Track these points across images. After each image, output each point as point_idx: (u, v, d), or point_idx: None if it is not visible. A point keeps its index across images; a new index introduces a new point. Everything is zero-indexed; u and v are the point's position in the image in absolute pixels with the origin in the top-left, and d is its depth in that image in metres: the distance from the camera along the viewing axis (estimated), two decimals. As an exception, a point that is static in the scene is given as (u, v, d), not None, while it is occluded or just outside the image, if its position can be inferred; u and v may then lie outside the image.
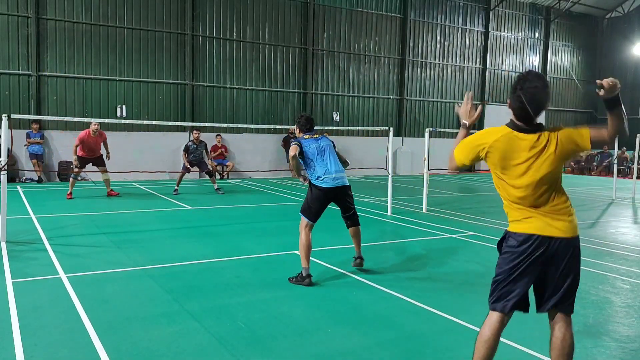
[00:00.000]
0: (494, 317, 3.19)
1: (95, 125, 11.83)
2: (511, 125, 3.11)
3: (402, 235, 8.72)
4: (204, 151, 13.38)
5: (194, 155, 13.16)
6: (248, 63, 18.54)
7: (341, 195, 6.03)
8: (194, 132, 13.32)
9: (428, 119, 22.58)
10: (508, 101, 3.17)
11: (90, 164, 12.10)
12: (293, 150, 5.87)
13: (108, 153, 12.33)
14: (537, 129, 3.07)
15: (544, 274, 3.16)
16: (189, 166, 13.15)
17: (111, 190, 12.48)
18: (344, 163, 6.26)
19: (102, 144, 12.14)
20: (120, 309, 4.77)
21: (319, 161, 5.94)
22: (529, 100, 2.98)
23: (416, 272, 6.42)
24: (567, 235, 3.07)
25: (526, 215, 3.15)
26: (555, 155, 3.04)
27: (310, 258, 5.79)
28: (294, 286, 5.64)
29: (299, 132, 6.16)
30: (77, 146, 11.71)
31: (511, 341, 4.17)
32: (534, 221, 3.11)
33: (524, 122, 3.06)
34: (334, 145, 6.22)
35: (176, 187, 13.19)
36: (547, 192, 3.09)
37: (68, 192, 11.86)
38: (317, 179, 5.90)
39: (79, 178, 12.41)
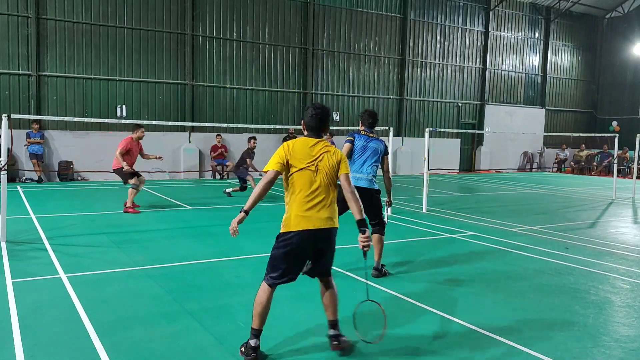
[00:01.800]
0: None
1: (142, 131, 10.56)
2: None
3: (402, 235, 8.72)
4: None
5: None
6: (248, 63, 18.53)
7: (364, 197, 5.88)
8: (252, 140, 12.78)
9: (428, 119, 22.58)
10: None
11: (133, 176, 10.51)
12: (346, 150, 6.07)
13: (156, 156, 10.93)
14: None
15: None
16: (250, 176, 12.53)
17: (133, 202, 10.60)
18: (385, 173, 6.35)
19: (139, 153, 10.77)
20: (120, 309, 4.77)
21: (355, 159, 6.12)
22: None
23: (416, 272, 6.42)
24: None
25: None
26: None
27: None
28: (294, 286, 5.61)
29: (361, 125, 6.33)
30: (122, 155, 10.23)
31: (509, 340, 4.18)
32: None
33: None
34: (385, 151, 6.29)
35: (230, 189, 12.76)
36: None
37: (131, 206, 10.22)
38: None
39: (138, 188, 10.44)
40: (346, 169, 3.97)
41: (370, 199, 6.11)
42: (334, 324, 4.04)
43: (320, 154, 3.92)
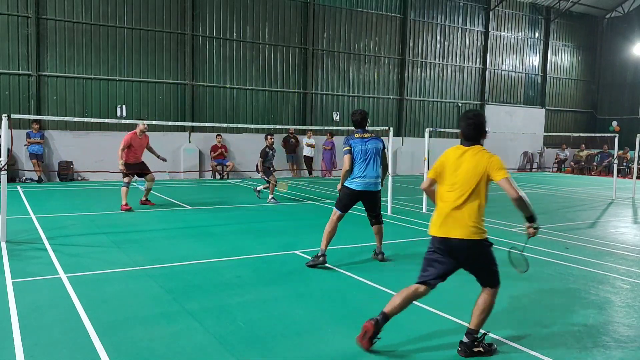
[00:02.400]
0: None
1: (144, 125, 10.56)
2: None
3: (402, 235, 8.72)
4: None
5: (270, 161, 12.01)
6: (248, 63, 18.53)
7: (369, 198, 6.46)
8: (268, 137, 11.89)
9: (428, 119, 22.58)
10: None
11: (136, 174, 10.70)
12: (347, 162, 6.28)
13: (159, 156, 11.00)
14: None
15: None
16: (268, 177, 11.96)
17: (147, 199, 11.11)
18: (385, 167, 6.57)
19: (146, 147, 10.79)
20: (120, 309, 4.77)
21: (359, 163, 6.29)
22: None
23: (416, 273, 6.40)
24: None
25: None
26: None
27: (310, 258, 5.81)
28: (294, 286, 5.64)
29: (354, 128, 6.56)
30: (122, 150, 10.30)
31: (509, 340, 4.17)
32: None
33: None
34: (383, 147, 6.51)
35: (272, 195, 11.97)
36: None
37: (123, 204, 10.30)
38: (351, 179, 6.33)
39: (129, 186, 10.58)
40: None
41: (375, 198, 6.50)
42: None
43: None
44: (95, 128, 16.13)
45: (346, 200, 6.35)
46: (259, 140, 18.64)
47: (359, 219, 9.95)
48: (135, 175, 10.71)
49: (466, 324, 4.57)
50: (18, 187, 13.68)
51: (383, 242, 6.86)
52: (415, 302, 5.16)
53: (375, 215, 6.62)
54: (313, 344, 4.13)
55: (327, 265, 6.44)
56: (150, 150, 10.94)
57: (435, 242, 4.09)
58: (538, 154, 26.01)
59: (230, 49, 18.17)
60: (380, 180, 6.45)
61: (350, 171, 6.29)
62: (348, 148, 6.28)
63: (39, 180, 14.96)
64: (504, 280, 4.27)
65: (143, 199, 11.12)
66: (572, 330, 4.56)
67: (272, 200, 11.88)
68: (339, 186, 6.55)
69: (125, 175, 10.41)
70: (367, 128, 6.54)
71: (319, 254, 6.33)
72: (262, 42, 18.68)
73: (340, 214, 6.40)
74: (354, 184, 6.29)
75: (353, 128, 6.63)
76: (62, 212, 10.05)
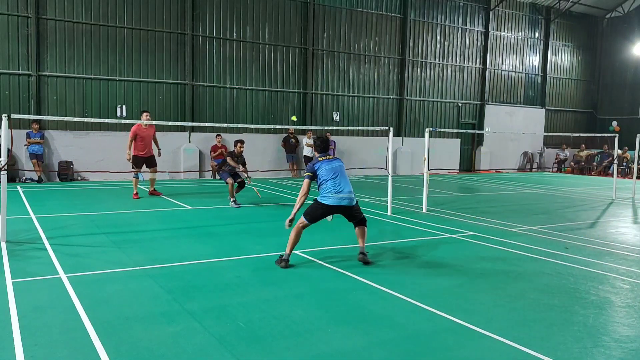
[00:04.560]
0: None
1: (147, 115, 11.59)
2: None
3: (402, 235, 8.72)
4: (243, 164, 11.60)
5: (231, 167, 11.42)
6: (248, 63, 18.54)
7: (344, 211, 6.60)
8: (238, 144, 11.36)
9: (428, 119, 22.58)
10: None
11: (145, 165, 11.78)
12: (306, 186, 6.45)
13: (159, 149, 11.99)
14: None
15: None
16: (231, 180, 11.32)
17: (154, 189, 12.30)
18: None
19: (152, 138, 11.78)
20: (120, 309, 4.77)
21: (331, 180, 6.48)
22: None
23: (416, 272, 6.42)
24: None
25: None
26: None
27: (310, 258, 5.82)
28: (294, 286, 5.64)
29: (316, 152, 6.84)
30: (131, 141, 11.40)
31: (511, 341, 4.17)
32: None
33: None
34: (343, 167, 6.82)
35: (233, 199, 11.32)
36: None
37: (134, 192, 11.76)
38: (323, 195, 6.45)
39: (140, 178, 11.96)
40: None
41: (351, 211, 6.62)
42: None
43: None
44: (95, 128, 16.13)
45: (317, 213, 6.47)
46: (259, 140, 18.71)
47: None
48: (144, 165, 11.81)
49: (465, 324, 4.58)
50: (18, 187, 13.69)
51: (384, 242, 6.88)
52: (415, 302, 5.17)
53: (356, 222, 6.69)
54: (313, 344, 4.13)
55: (327, 265, 6.45)
56: (154, 141, 11.86)
57: None
58: (538, 154, 26.01)
59: (230, 49, 18.18)
60: (353, 195, 6.57)
61: (306, 195, 6.45)
62: (309, 174, 6.53)
63: (39, 180, 14.97)
64: (504, 280, 4.27)
65: (150, 189, 12.25)
66: (572, 330, 4.56)
67: (233, 203, 11.26)
68: (292, 214, 6.44)
69: (135, 165, 11.57)
70: (329, 152, 6.90)
71: (283, 257, 6.39)
72: (262, 42, 18.68)
73: (307, 224, 6.46)
74: (327, 199, 6.40)
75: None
76: (62, 212, 10.05)
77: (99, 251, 7.05)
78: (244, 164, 11.56)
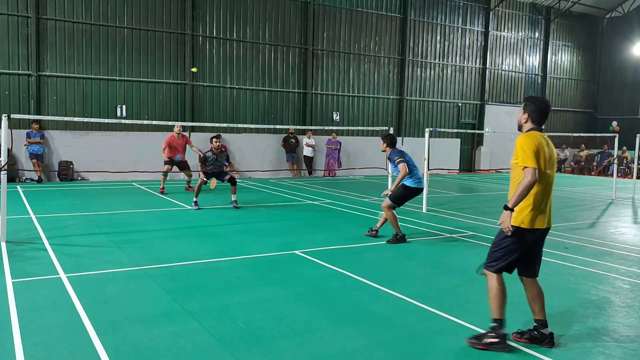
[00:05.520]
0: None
1: (178, 127, 13.31)
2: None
3: (402, 235, 8.71)
4: (226, 160, 11.51)
5: (214, 166, 11.02)
6: (248, 63, 18.53)
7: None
8: (214, 140, 11.03)
9: (428, 119, 22.58)
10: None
11: (177, 167, 13.50)
12: (404, 169, 7.81)
13: (199, 152, 12.90)
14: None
15: None
16: (205, 179, 11.13)
17: (189, 186, 13.71)
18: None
19: (186, 145, 13.52)
20: (120, 309, 4.77)
21: (413, 166, 7.96)
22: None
23: (416, 272, 6.43)
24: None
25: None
26: None
27: (310, 258, 5.80)
28: (294, 286, 5.64)
29: (387, 147, 8.16)
30: (164, 150, 13.20)
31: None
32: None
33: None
34: None
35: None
36: None
37: (161, 187, 13.18)
38: (414, 181, 7.90)
39: (168, 176, 13.58)
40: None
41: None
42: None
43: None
44: (95, 128, 16.12)
45: (406, 199, 8.06)
46: (259, 140, 18.72)
47: (358, 219, 9.95)
48: (174, 167, 13.39)
49: (465, 324, 4.58)
50: (18, 187, 13.68)
51: (384, 242, 6.86)
52: (415, 302, 5.17)
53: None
54: (313, 344, 4.13)
55: (327, 265, 6.46)
56: (191, 147, 13.66)
57: (530, 235, 4.09)
58: (538, 154, 25.96)
59: (230, 49, 18.17)
60: None
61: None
62: (403, 158, 7.87)
63: (39, 180, 14.97)
64: (505, 281, 4.26)
65: (186, 186, 13.93)
66: (572, 330, 4.56)
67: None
68: (391, 188, 7.98)
69: (165, 164, 13.22)
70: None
71: (399, 235, 7.89)
72: (262, 42, 18.68)
73: (395, 206, 8.02)
74: (420, 183, 7.96)
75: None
76: (62, 212, 10.05)
77: (99, 251, 7.05)
78: (227, 160, 11.69)
